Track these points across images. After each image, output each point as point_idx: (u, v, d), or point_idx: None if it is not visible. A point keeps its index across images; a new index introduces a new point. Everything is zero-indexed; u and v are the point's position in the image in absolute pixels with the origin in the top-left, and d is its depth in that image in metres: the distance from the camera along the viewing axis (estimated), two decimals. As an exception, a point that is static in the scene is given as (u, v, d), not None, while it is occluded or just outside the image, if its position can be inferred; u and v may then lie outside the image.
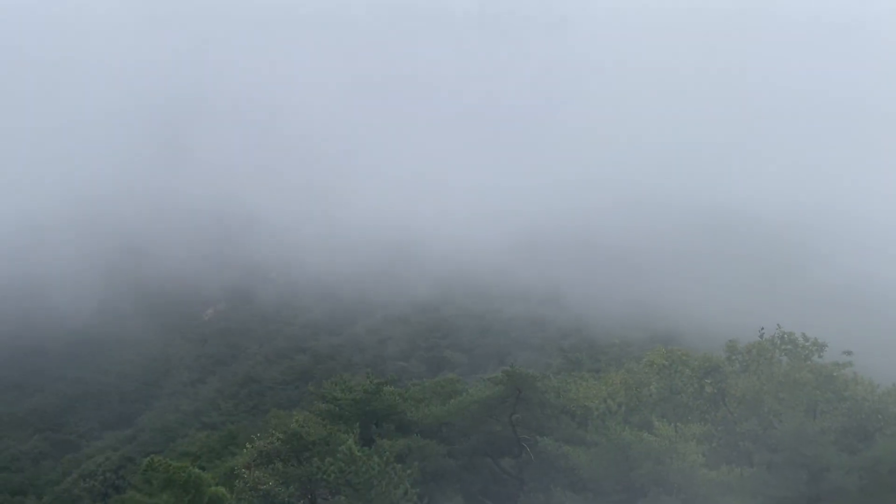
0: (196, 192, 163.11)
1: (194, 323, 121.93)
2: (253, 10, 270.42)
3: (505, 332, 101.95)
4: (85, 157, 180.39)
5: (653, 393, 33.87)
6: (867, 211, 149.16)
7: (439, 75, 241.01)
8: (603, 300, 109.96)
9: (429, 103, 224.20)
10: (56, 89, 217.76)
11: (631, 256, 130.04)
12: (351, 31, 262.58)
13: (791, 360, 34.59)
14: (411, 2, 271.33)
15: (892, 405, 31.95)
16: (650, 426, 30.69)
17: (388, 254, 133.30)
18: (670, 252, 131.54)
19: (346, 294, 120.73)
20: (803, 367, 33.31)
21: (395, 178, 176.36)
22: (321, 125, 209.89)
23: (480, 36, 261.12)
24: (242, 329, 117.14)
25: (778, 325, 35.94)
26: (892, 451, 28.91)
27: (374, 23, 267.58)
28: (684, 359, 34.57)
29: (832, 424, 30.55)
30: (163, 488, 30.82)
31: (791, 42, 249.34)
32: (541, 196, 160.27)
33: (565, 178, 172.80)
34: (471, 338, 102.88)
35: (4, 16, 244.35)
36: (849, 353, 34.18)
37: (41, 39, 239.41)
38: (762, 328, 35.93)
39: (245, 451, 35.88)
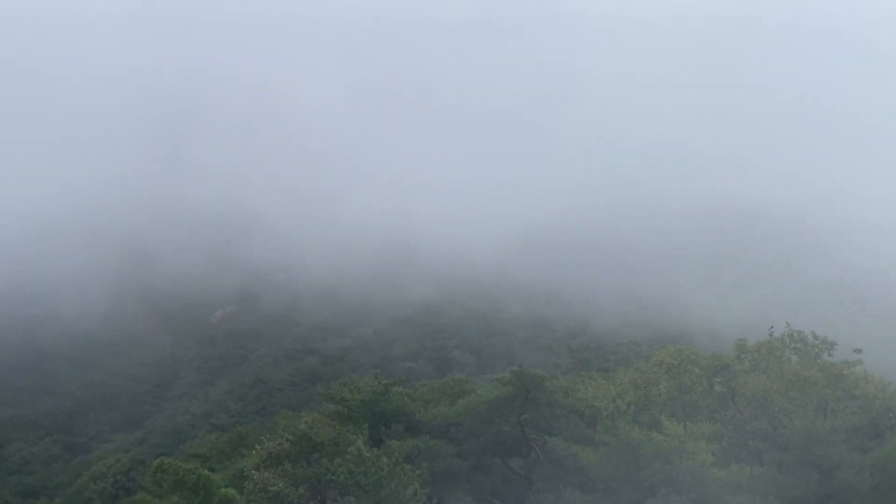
0: (201, 196, 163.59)
1: (203, 325, 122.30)
2: (255, 17, 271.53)
3: (512, 333, 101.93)
4: (90, 163, 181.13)
5: (662, 392, 33.74)
6: (873, 208, 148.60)
7: (439, 78, 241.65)
8: (610, 300, 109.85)
9: (429, 105, 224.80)
10: (59, 95, 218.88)
11: (637, 256, 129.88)
12: (351, 36, 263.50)
13: (801, 358, 34.45)
14: (410, 6, 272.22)
15: (902, 403, 31.82)
16: (659, 426, 30.58)
17: (392, 255, 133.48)
18: (677, 251, 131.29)
19: (353, 295, 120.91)
20: (813, 365, 33.17)
21: (396, 179, 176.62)
22: (323, 128, 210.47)
23: (479, 39, 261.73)
24: (251, 331, 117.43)
25: (787, 323, 35.82)
26: (903, 449, 28.76)
27: (374, 27, 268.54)
28: (693, 358, 34.46)
29: (843, 423, 30.39)
30: (172, 490, 30.90)
31: (790, 42, 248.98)
32: (544, 196, 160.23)
33: (568, 178, 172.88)
34: (478, 338, 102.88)
35: (7, 21, 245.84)
36: (859, 351, 34.03)
37: (44, 45, 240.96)
38: (772, 327, 35.81)
39: (254, 452, 35.95)
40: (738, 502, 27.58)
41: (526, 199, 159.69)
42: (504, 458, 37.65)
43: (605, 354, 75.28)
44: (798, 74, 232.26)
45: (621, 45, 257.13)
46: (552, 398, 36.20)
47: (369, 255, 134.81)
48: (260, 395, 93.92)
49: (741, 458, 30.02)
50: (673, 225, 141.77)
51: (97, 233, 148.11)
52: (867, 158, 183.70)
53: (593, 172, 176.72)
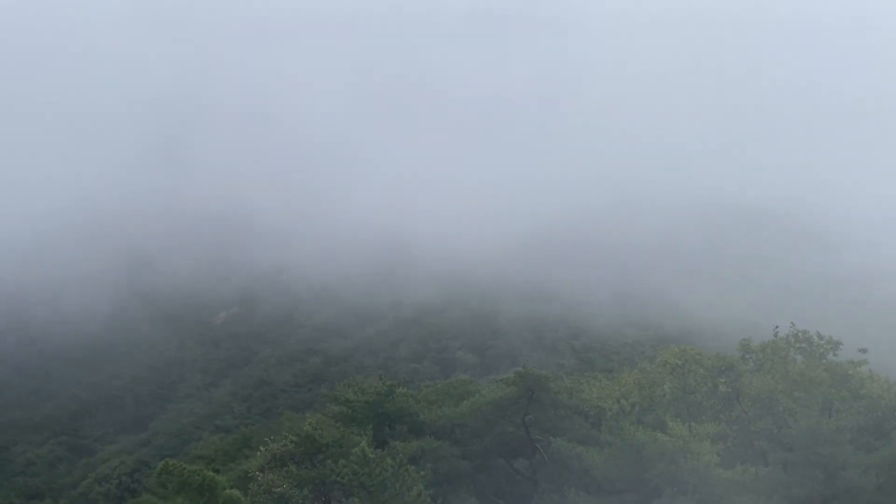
0: (202, 198, 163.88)
1: (206, 327, 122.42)
2: (253, 19, 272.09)
3: (516, 333, 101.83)
4: (91, 167, 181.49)
5: (666, 392, 33.69)
6: (878, 205, 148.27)
7: (439, 76, 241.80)
8: (613, 299, 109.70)
9: (428, 105, 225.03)
10: (59, 98, 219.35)
11: (640, 255, 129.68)
12: (350, 36, 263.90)
13: (806, 358, 34.37)
14: (408, 4, 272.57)
15: (908, 403, 31.70)
16: (664, 426, 30.53)
17: (395, 256, 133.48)
18: (681, 250, 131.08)
19: (356, 297, 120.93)
20: (818, 365, 33.09)
21: (398, 180, 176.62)
22: (323, 129, 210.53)
23: (478, 37, 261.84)
24: (254, 333, 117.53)
25: (792, 323, 35.74)
26: (909, 449, 28.67)
27: (374, 26, 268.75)
28: (698, 358, 34.41)
29: (848, 423, 30.31)
30: (177, 491, 30.93)
31: (788, 38, 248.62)
32: (546, 195, 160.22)
33: (570, 176, 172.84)
34: (482, 339, 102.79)
35: (7, 22, 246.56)
36: (864, 350, 33.94)
37: (44, 48, 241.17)
38: (776, 326, 35.74)
39: (259, 453, 36.00)
40: (744, 503, 27.52)
41: (528, 198, 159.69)
42: (508, 459, 37.63)
43: (609, 355, 75.27)
44: (799, 70, 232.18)
45: (621, 41, 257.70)
46: (556, 399, 36.18)
47: (372, 255, 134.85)
48: (264, 397, 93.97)
49: (746, 459, 29.95)
50: (676, 224, 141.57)
51: (100, 236, 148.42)
52: (871, 155, 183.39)
53: (595, 171, 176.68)
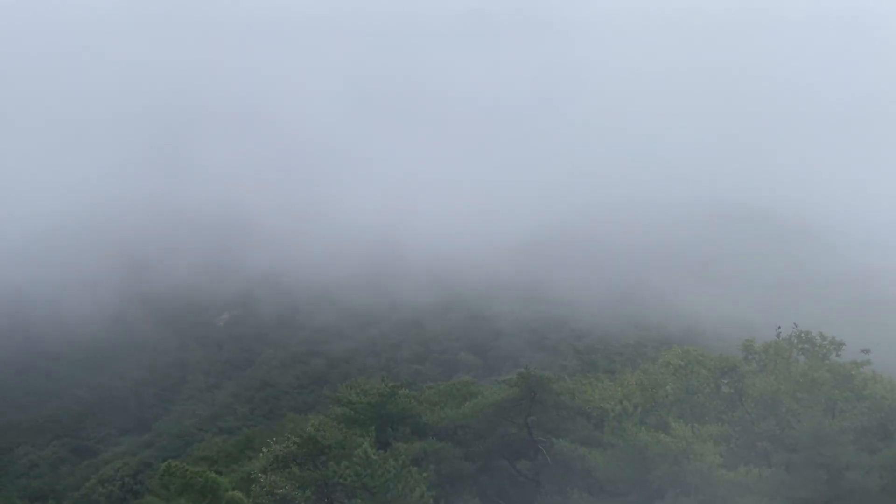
0: (201, 201, 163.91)
1: (209, 329, 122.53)
2: (250, 22, 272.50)
3: (518, 334, 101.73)
4: (92, 171, 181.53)
5: (669, 394, 33.65)
6: (881, 206, 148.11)
7: (437, 80, 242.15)
8: (616, 300, 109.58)
9: (426, 107, 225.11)
10: (59, 102, 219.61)
11: (643, 256, 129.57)
12: (347, 39, 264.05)
13: (808, 359, 34.33)
14: (404, 7, 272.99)
15: (912, 403, 31.63)
16: (667, 427, 30.49)
17: (397, 258, 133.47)
18: (683, 251, 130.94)
19: (358, 298, 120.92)
20: (821, 366, 33.04)
21: (398, 181, 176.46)
22: (321, 131, 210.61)
23: (475, 39, 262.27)
24: (257, 334, 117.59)
25: (794, 323, 35.68)
26: (912, 450, 28.62)
27: (370, 29, 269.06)
28: (700, 359, 34.37)
29: (851, 424, 30.23)
30: (180, 493, 30.94)
31: (794, 38, 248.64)
32: (548, 196, 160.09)
33: (572, 177, 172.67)
34: (484, 340, 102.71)
35: (6, 26, 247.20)
36: (867, 351, 33.88)
37: (43, 52, 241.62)
38: (779, 327, 35.69)
39: (261, 455, 36.03)
40: (747, 504, 27.51)
41: (528, 199, 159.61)
42: (511, 461, 37.60)
43: (612, 356, 75.15)
44: (807, 71, 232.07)
45: (618, 42, 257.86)
46: (559, 400, 36.16)
47: (373, 257, 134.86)
48: (266, 398, 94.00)
49: (749, 460, 29.91)
50: (678, 224, 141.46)
51: (100, 238, 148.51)
52: (876, 155, 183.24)
53: (597, 171, 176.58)
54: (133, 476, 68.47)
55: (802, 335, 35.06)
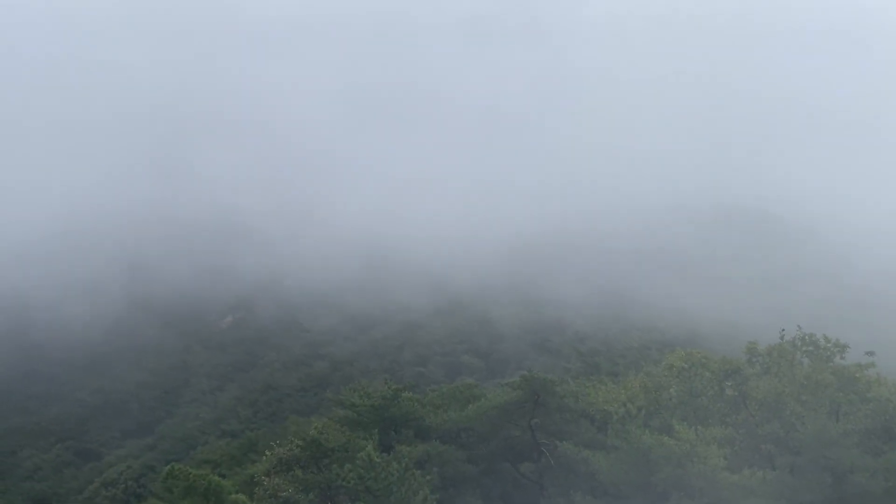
0: (201, 205, 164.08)
1: (212, 331, 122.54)
2: (248, 27, 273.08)
3: (521, 337, 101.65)
4: (92, 176, 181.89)
5: (673, 396, 33.59)
6: (884, 210, 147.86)
7: (435, 83, 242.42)
8: (619, 303, 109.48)
9: (425, 110, 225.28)
10: (60, 107, 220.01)
11: (646, 259, 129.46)
12: (345, 44, 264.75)
13: (812, 361, 34.24)
14: (401, 11, 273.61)
15: (916, 406, 31.51)
16: (670, 430, 30.45)
17: (399, 260, 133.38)
18: (686, 254, 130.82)
19: (361, 300, 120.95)
20: (825, 368, 32.95)
21: (398, 184, 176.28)
22: (320, 135, 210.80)
23: (471, 44, 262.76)
24: (260, 337, 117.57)
25: (798, 326, 35.61)
26: (917, 452, 28.52)
27: (368, 34, 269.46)
28: (704, 361, 34.32)
29: (856, 426, 30.16)
30: (183, 496, 30.93)
31: (804, 42, 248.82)
32: (552, 198, 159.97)
33: (576, 179, 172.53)
34: (487, 343, 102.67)
35: (7, 27, 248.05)
36: (871, 353, 33.79)
37: (41, 56, 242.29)
38: (783, 329, 35.60)
39: (265, 458, 36.04)
40: (751, 507, 27.43)
41: (531, 201, 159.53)
42: (514, 463, 37.56)
43: (615, 358, 75.15)
44: (816, 75, 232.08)
45: (613, 47, 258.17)
46: (562, 403, 36.11)
47: (375, 260, 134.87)
48: (270, 401, 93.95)
49: (753, 462, 29.84)
50: (680, 226, 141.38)
51: (101, 242, 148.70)
52: (880, 160, 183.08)
53: (601, 174, 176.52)
54: (136, 479, 68.49)
55: (806, 337, 34.99)
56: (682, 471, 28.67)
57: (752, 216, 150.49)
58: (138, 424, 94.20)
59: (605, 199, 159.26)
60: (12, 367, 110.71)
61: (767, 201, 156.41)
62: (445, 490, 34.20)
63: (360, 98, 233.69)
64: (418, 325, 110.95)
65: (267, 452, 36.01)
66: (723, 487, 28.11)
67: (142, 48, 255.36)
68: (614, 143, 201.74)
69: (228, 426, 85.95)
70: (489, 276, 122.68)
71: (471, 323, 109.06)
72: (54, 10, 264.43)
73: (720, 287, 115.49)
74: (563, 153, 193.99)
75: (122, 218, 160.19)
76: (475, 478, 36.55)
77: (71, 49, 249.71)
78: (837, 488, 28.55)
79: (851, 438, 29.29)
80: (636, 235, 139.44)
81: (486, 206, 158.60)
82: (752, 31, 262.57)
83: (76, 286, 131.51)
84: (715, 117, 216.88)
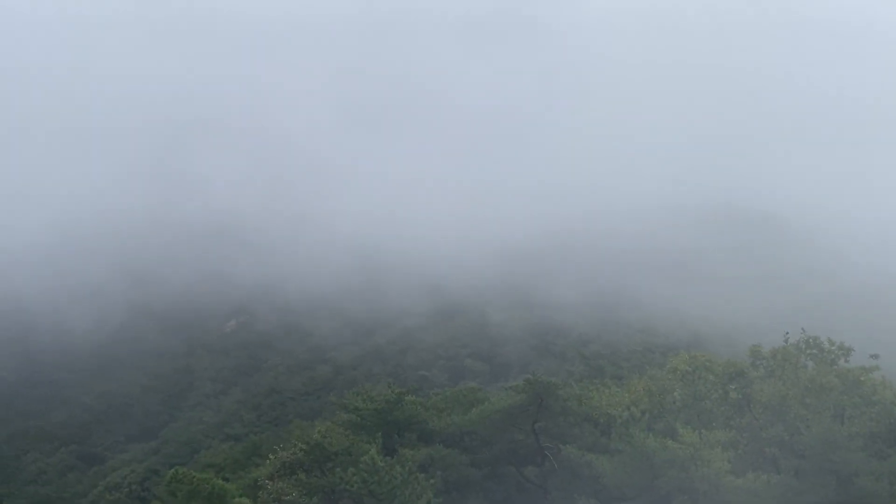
0: (203, 211, 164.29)
1: (216, 335, 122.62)
2: (246, 33, 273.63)
3: (525, 340, 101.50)
4: (97, 182, 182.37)
5: (676, 399, 33.54)
6: (889, 211, 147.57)
7: (434, 86, 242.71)
8: (623, 306, 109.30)
9: (424, 112, 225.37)
10: (58, 117, 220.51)
11: (650, 261, 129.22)
12: (342, 49, 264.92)
13: (817, 364, 34.16)
14: (399, 15, 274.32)
15: (921, 409, 31.42)
16: (674, 433, 30.39)
17: (402, 264, 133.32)
18: (690, 256, 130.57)
19: (364, 304, 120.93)
20: (829, 371, 32.87)
21: (400, 187, 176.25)
22: (319, 140, 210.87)
23: (469, 46, 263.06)
24: (263, 341, 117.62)
25: (802, 329, 35.53)
26: (922, 456, 28.43)
27: (365, 39, 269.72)
28: (708, 365, 34.27)
29: (860, 429, 30.07)
30: (187, 500, 30.95)
31: (809, 41, 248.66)
32: (555, 201, 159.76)
33: (578, 181, 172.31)
34: (491, 346, 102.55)
35: (10, 37, 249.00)
36: (876, 356, 33.68)
37: (42, 64, 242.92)
38: (787, 332, 35.52)
39: (268, 462, 36.06)
40: (755, 510, 27.34)
41: (533, 203, 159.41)
42: (518, 467, 37.51)
43: (619, 362, 75.09)
44: (819, 74, 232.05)
45: (611, 48, 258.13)
46: (566, 406, 36.07)
47: (377, 263, 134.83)
48: (273, 405, 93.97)
49: (758, 466, 29.77)
50: (685, 229, 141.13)
51: (103, 247, 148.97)
52: (886, 160, 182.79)
53: (601, 175, 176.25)
54: (140, 483, 68.58)
55: (810, 340, 34.91)
56: (686, 474, 28.61)
57: (754, 217, 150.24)
58: (142, 428, 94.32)
59: (605, 200, 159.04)
60: (17, 371, 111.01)
61: (770, 202, 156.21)
62: (449, 494, 34.18)
63: (359, 102, 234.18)
64: (421, 328, 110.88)
65: (270, 456, 36.04)
66: (727, 491, 28.05)
67: (142, 56, 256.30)
68: (614, 143, 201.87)
69: (232, 430, 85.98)
70: (491, 280, 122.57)
71: (473, 326, 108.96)
72: (53, 18, 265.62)
73: (723, 289, 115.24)
74: (562, 155, 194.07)
75: (124, 223, 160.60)
76: (479, 481, 36.52)
77: (71, 56, 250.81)
78: (842, 492, 28.46)
79: (856, 442, 29.21)
80: (638, 237, 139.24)
81: (486, 208, 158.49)
82: (751, 31, 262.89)
83: (79, 291, 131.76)
84: (715, 118, 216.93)
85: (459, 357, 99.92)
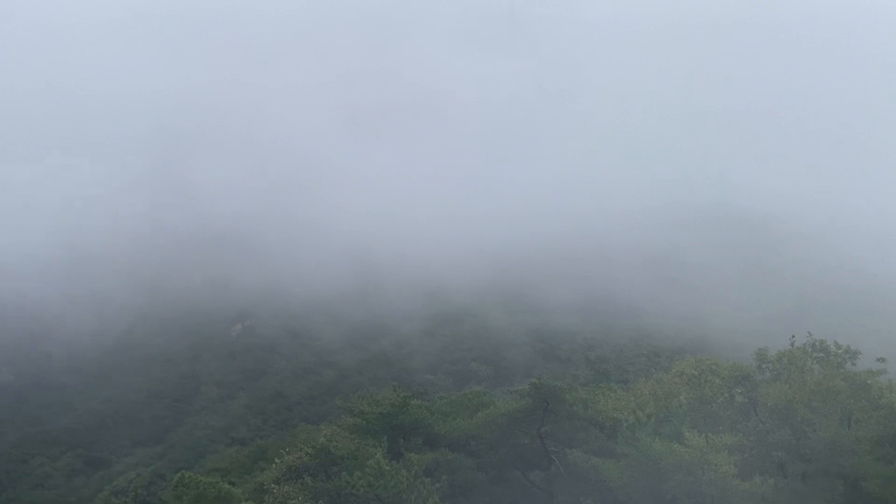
0: (212, 214, 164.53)
1: (222, 340, 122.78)
2: (246, 34, 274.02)
3: (530, 344, 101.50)
4: (104, 190, 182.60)
5: (682, 403, 33.48)
6: (890, 211, 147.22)
7: (434, 89, 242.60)
8: (628, 310, 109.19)
9: (424, 115, 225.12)
10: (60, 124, 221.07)
11: (655, 265, 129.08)
12: (339, 52, 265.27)
13: (823, 367, 34.08)
14: (397, 18, 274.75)
15: (929, 413, 31.27)
16: (680, 437, 30.32)
17: (406, 268, 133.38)
18: (696, 260, 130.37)
19: (370, 308, 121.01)
20: (836, 374, 32.79)
21: (401, 192, 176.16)
22: (320, 145, 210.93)
23: (467, 48, 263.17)
24: (269, 345, 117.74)
25: (809, 332, 35.46)
26: (930, 459, 28.30)
27: (362, 43, 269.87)
28: (714, 368, 34.23)
29: (868, 433, 29.96)
30: (193, 504, 31.00)
31: (807, 45, 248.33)
32: (561, 206, 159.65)
33: (579, 185, 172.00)
34: (496, 350, 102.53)
35: (9, 39, 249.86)
36: (883, 360, 33.58)
37: (44, 76, 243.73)
38: (793, 336, 35.46)
39: (274, 466, 36.08)
40: (762, 514, 27.26)
41: (542, 207, 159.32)
42: (524, 471, 37.45)
43: (625, 366, 74.99)
44: (821, 77, 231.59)
45: (611, 50, 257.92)
46: (572, 410, 36.01)
47: (381, 268, 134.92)
48: (279, 409, 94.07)
49: (764, 470, 29.67)
50: (692, 233, 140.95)
51: (108, 253, 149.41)
52: (889, 164, 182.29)
53: (604, 179, 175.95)
54: (146, 487, 68.69)
55: (817, 344, 34.85)
56: (692, 478, 28.53)
57: (756, 218, 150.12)
58: (148, 433, 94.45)
59: (605, 202, 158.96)
60: (23, 376, 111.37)
61: (771, 203, 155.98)
62: (454, 498, 34.15)
63: (359, 107, 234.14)
64: (425, 332, 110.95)
65: (276, 460, 36.06)
66: (733, 495, 27.96)
67: (145, 61, 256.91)
68: (616, 146, 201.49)
69: (238, 434, 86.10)
70: (489, 283, 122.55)
71: (479, 330, 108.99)
72: (54, 25, 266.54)
73: (730, 293, 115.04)
74: (564, 157, 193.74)
75: (129, 230, 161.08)
76: (484, 486, 36.48)
77: (74, 62, 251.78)
78: (850, 496, 28.33)
79: (863, 446, 29.09)
80: (644, 241, 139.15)
81: (490, 211, 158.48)
82: (749, 31, 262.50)
83: (84, 297, 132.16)
84: (716, 118, 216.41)
85: (464, 361, 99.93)
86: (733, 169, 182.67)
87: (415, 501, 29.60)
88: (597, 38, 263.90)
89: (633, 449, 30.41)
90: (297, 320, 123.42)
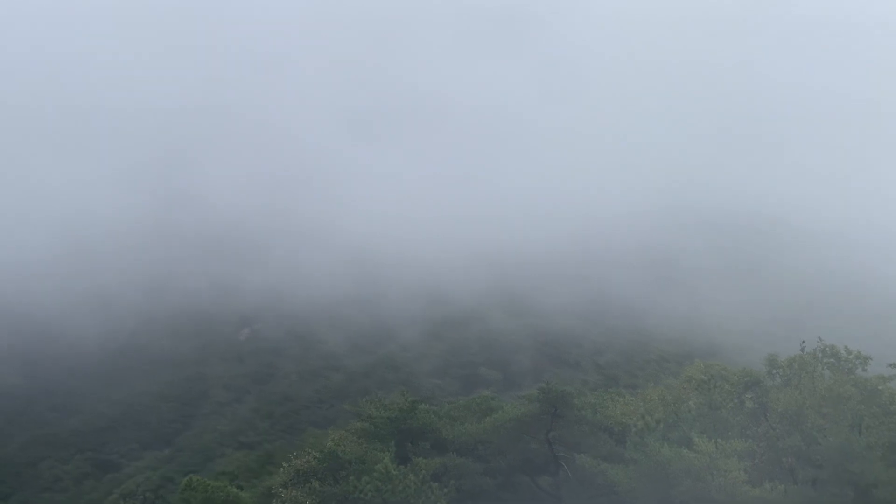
0: (215, 219, 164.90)
1: (230, 343, 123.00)
2: (246, 36, 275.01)
3: (539, 349, 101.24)
4: (110, 191, 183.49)
5: (692, 408, 33.35)
6: (886, 212, 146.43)
7: (434, 90, 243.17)
8: (637, 314, 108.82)
9: (424, 118, 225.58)
10: (64, 126, 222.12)
11: (664, 270, 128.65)
12: (338, 55, 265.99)
13: (834, 373, 33.91)
14: (397, 20, 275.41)
15: (940, 419, 31.05)
16: (690, 442, 30.18)
17: (414, 272, 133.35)
18: (705, 265, 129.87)
19: (377, 312, 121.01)
20: (847, 380, 32.61)
21: (405, 196, 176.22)
22: (323, 148, 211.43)
23: (466, 50, 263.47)
24: (277, 348, 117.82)
25: (819, 337, 35.28)
26: (942, 466, 28.06)
27: (361, 45, 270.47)
28: (723, 373, 34.12)
29: (878, 439, 29.76)
30: (202, 507, 31.06)
31: (809, 45, 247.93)
32: (566, 210, 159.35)
33: (588, 191, 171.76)
34: (505, 355, 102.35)
35: (12, 45, 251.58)
36: (894, 365, 33.37)
37: (45, 77, 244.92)
38: (803, 341, 35.30)
39: (282, 470, 36.07)
40: (772, 521, 27.10)
41: (544, 210, 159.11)
42: (532, 476, 37.35)
43: (634, 371, 74.80)
44: (817, 74, 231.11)
45: (610, 50, 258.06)
46: (580, 415, 35.90)
47: (388, 272, 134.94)
48: (287, 413, 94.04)
49: (774, 476, 29.51)
50: (694, 237, 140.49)
51: (118, 255, 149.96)
52: (892, 167, 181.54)
53: (610, 182, 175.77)
54: (155, 491, 68.85)
55: (827, 349, 34.70)
56: (701, 484, 28.39)
57: (759, 221, 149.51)
58: (157, 436, 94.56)
59: (612, 206, 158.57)
60: (31, 379, 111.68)
61: (778, 208, 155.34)
62: (462, 503, 34.05)
63: (361, 110, 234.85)
64: (432, 336, 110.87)
65: (284, 464, 36.05)
66: (744, 501, 27.81)
67: (148, 64, 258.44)
68: (617, 148, 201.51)
69: (246, 438, 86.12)
70: (498, 286, 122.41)
71: (484, 334, 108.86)
72: (55, 28, 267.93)
73: (739, 298, 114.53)
74: (567, 159, 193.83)
75: (134, 233, 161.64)
76: (492, 491, 36.36)
77: (79, 65, 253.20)
78: (860, 502, 28.14)
79: (874, 451, 28.90)
80: (646, 244, 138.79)
81: (492, 214, 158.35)
82: (748, 32, 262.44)
83: (91, 300, 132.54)
84: (717, 119, 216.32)
85: (471, 365, 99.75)
86: (737, 172, 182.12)
87: (423, 506, 29.56)
88: (597, 39, 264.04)
89: (641, 454, 30.29)
90: (302, 324, 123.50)
